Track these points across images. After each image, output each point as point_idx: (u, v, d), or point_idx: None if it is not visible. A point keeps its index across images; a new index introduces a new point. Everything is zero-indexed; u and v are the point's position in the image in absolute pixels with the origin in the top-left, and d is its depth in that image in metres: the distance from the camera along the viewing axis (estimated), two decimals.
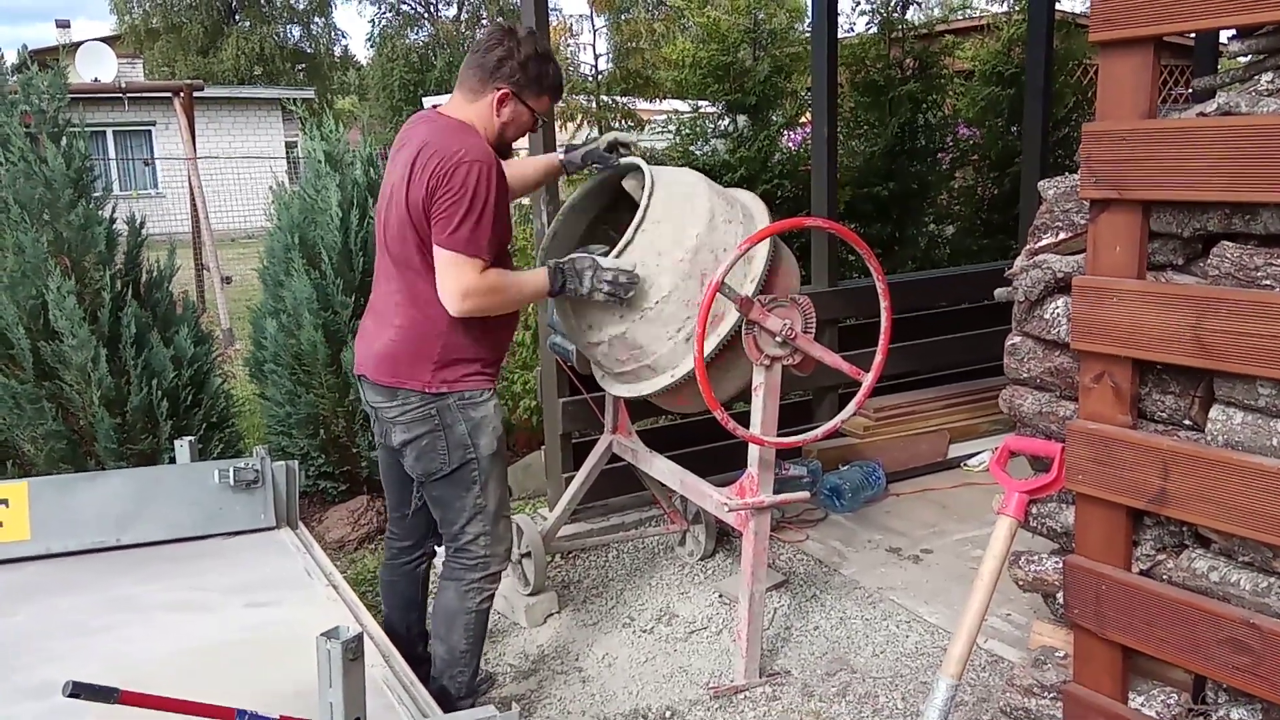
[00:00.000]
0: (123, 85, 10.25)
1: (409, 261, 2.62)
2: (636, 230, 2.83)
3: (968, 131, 7.33)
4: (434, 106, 2.76)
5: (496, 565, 2.82)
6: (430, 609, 3.09)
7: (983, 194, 7.19)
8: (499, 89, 2.66)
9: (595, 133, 5.99)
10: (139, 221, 4.12)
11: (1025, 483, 2.41)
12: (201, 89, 10.98)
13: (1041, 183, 2.58)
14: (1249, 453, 1.96)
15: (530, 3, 3.72)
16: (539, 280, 2.76)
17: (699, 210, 2.91)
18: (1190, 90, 6.58)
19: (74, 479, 2.97)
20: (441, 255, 2.54)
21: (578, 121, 5.87)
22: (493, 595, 2.85)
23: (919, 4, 6.79)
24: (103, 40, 15.96)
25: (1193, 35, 5.01)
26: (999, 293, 2.63)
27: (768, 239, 2.92)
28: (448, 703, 2.72)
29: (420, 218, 2.55)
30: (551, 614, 3.62)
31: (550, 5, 3.80)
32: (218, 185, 13.98)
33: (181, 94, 9.77)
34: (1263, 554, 1.98)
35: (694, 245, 2.86)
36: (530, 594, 3.59)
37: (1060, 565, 2.41)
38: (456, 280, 2.53)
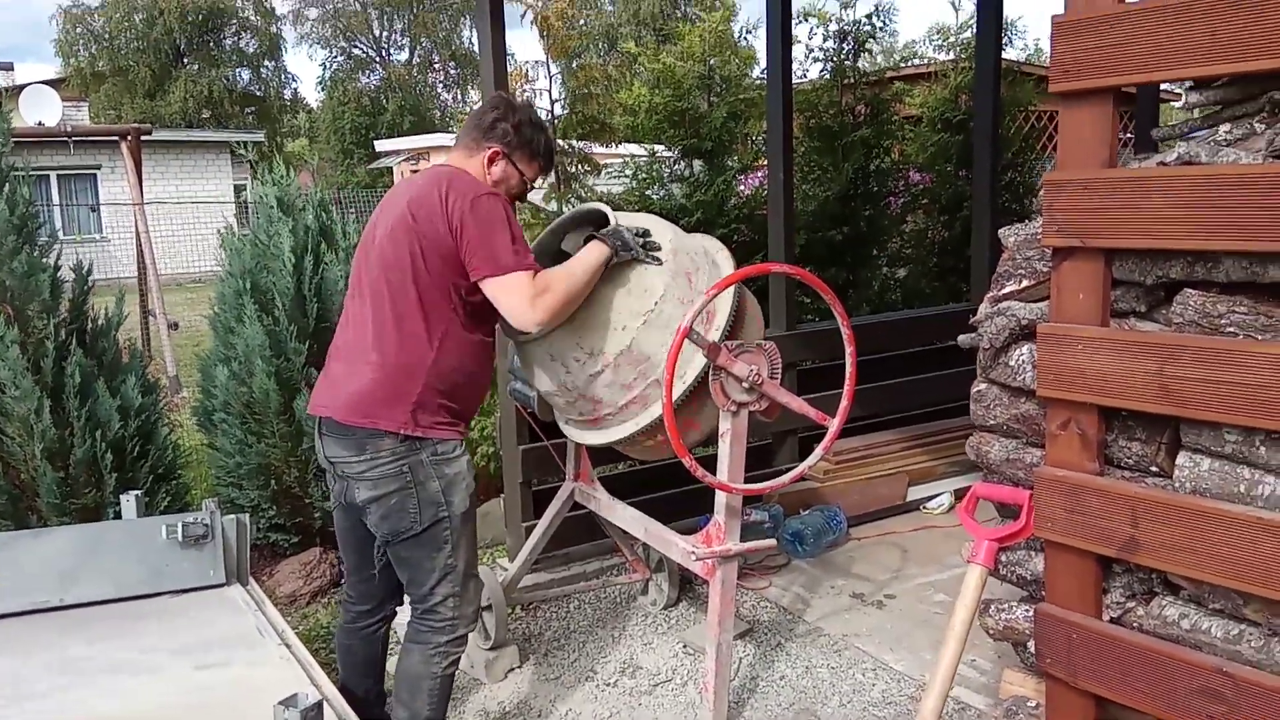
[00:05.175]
0: (68, 129, 10.05)
1: (403, 297, 2.57)
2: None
3: (918, 176, 7.43)
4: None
5: (464, 628, 2.73)
6: (390, 669, 2.99)
7: (933, 238, 7.28)
8: (491, 148, 2.71)
9: (552, 177, 5.97)
10: (86, 269, 4.02)
11: (995, 530, 2.40)
12: (149, 133, 10.82)
13: (1003, 230, 2.60)
14: (1217, 499, 1.97)
15: (488, 50, 3.72)
16: (596, 251, 2.75)
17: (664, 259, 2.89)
18: (1132, 136, 6.72)
19: (16, 536, 2.85)
20: (493, 283, 2.52)
21: None
22: (459, 660, 2.75)
23: (870, 51, 6.90)
24: (48, 83, 15.70)
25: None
26: (963, 339, 2.64)
27: (733, 285, 2.92)
28: None
29: (437, 255, 2.53)
30: (513, 669, 3.54)
31: (505, 51, 3.80)
32: (164, 230, 13.76)
33: (129, 138, 9.63)
34: (1233, 601, 1.99)
35: (660, 294, 2.84)
36: (491, 648, 3.51)
37: (1030, 614, 2.40)
38: (519, 295, 2.52)
